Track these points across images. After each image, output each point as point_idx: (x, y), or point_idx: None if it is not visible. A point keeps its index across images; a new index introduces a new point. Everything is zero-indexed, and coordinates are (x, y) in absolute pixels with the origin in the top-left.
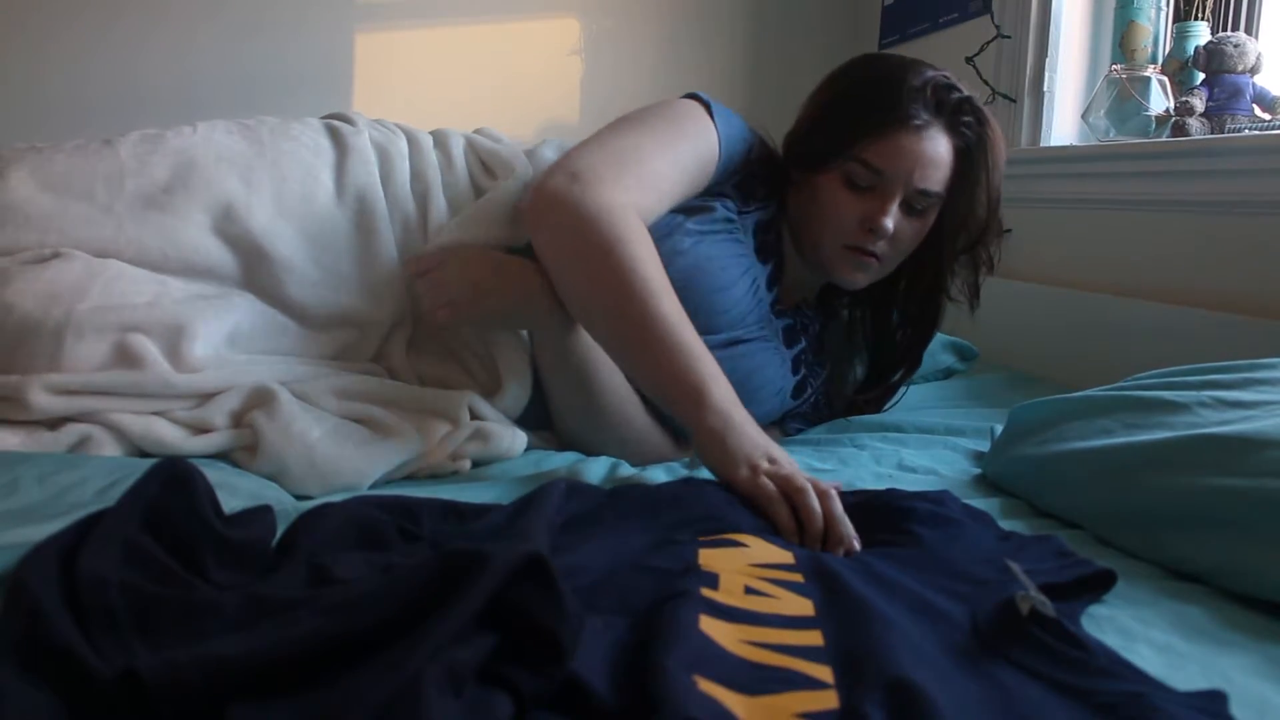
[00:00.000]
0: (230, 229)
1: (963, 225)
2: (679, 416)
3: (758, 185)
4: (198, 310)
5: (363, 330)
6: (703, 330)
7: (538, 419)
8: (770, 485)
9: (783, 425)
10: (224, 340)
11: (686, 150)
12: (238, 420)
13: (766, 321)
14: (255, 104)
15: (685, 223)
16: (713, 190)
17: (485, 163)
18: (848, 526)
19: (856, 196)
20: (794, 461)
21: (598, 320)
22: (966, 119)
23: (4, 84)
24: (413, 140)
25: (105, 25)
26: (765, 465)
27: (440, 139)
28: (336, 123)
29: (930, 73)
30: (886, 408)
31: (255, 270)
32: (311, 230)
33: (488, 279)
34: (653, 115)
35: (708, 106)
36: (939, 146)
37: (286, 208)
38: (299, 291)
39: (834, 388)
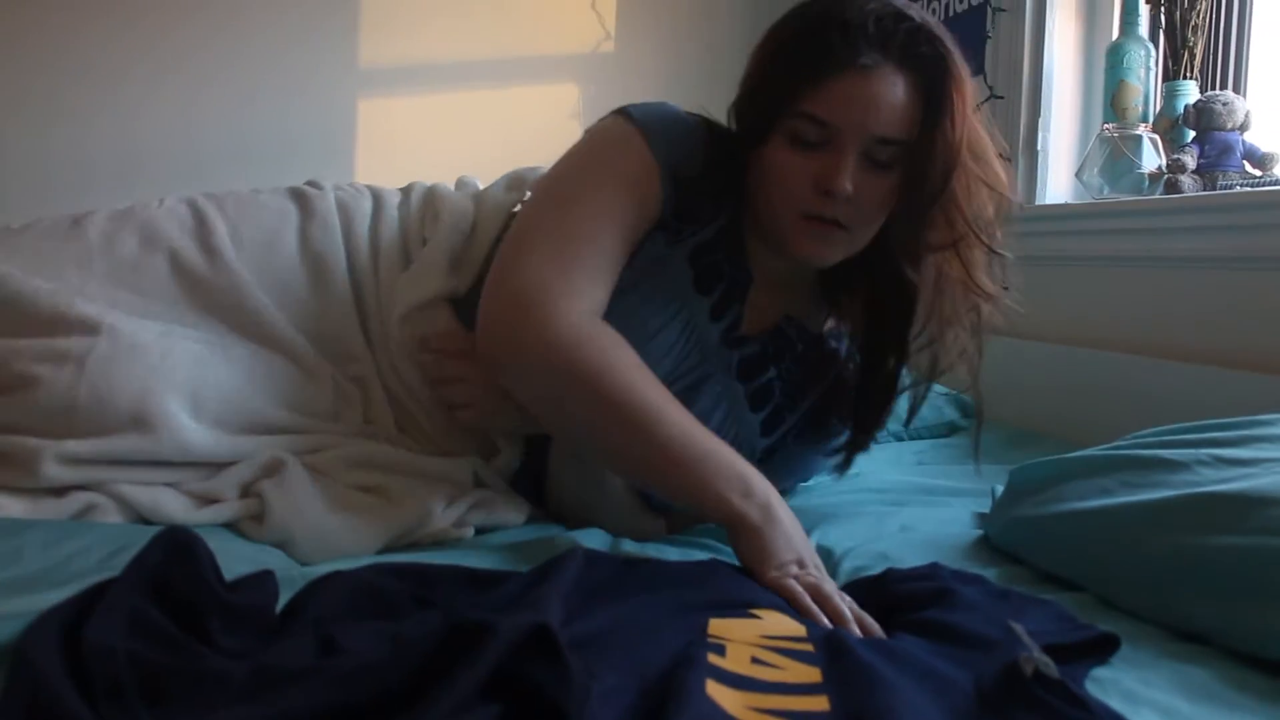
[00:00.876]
0: (203, 295)
1: (928, 171)
2: (713, 521)
3: (703, 202)
4: (207, 362)
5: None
6: None
7: (524, 489)
8: (797, 585)
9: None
10: (234, 391)
11: (630, 209)
12: (245, 491)
13: (713, 357)
14: (258, 167)
15: None
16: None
17: (437, 210)
18: (875, 626)
19: (806, 157)
20: (823, 567)
21: (609, 457)
22: (922, 49)
23: (9, 148)
24: (378, 198)
25: (110, 89)
26: (795, 569)
27: (406, 192)
28: (303, 187)
29: (873, 4)
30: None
31: (242, 323)
32: (274, 286)
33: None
34: (588, 175)
35: (645, 129)
36: (893, 86)
37: (253, 264)
38: (286, 333)
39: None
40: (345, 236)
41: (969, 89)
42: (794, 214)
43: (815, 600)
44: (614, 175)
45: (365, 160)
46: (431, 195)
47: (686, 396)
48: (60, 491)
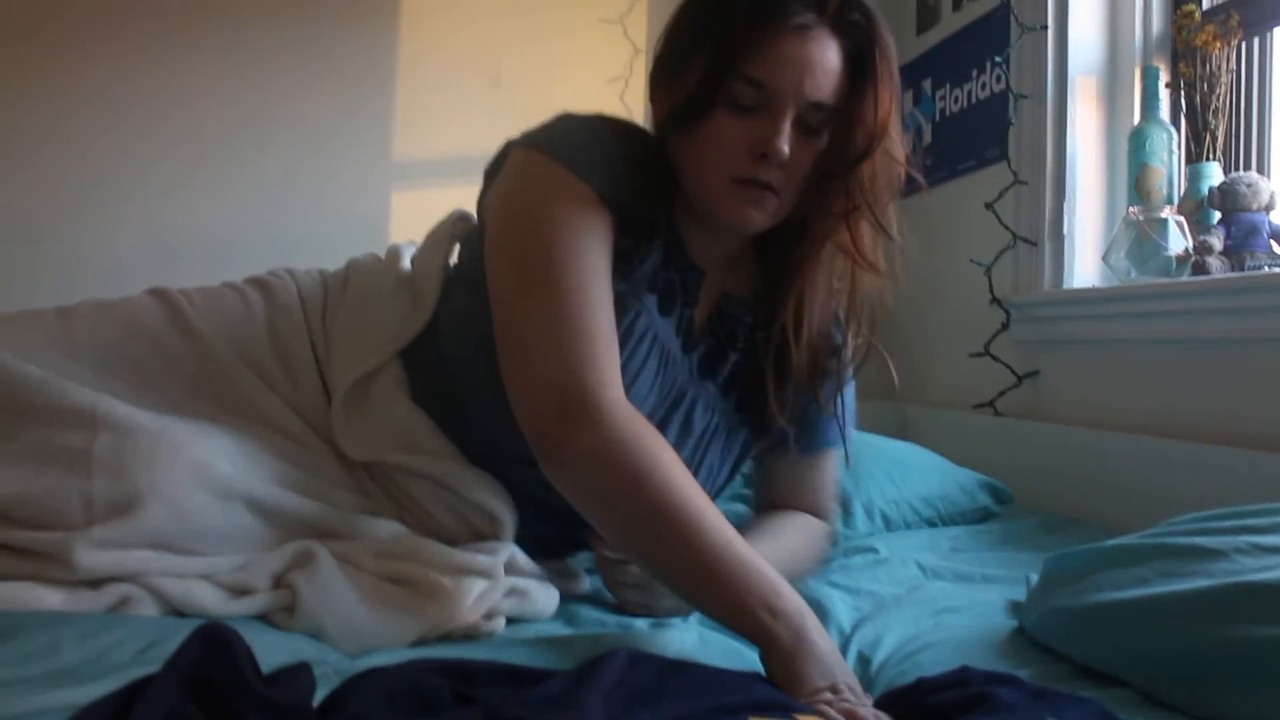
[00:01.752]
0: (191, 378)
1: (853, 138)
2: (747, 638)
3: (639, 210)
4: (210, 436)
5: None
6: None
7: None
8: (831, 711)
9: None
10: (239, 460)
11: (599, 253)
12: (278, 581)
13: (683, 370)
14: (289, 258)
15: None
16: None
17: (346, 279)
18: None
19: (742, 122)
20: (860, 691)
21: (653, 561)
22: (853, 17)
23: (43, 235)
24: (330, 280)
25: (142, 179)
26: (828, 695)
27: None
28: (268, 276)
29: None
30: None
31: (236, 404)
32: (252, 367)
33: None
34: (551, 240)
35: (567, 161)
36: (827, 51)
37: (230, 349)
38: (277, 410)
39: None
40: (305, 322)
41: (895, 62)
42: (726, 179)
43: None
44: (571, 228)
45: None
46: (348, 267)
47: (667, 421)
48: (96, 584)
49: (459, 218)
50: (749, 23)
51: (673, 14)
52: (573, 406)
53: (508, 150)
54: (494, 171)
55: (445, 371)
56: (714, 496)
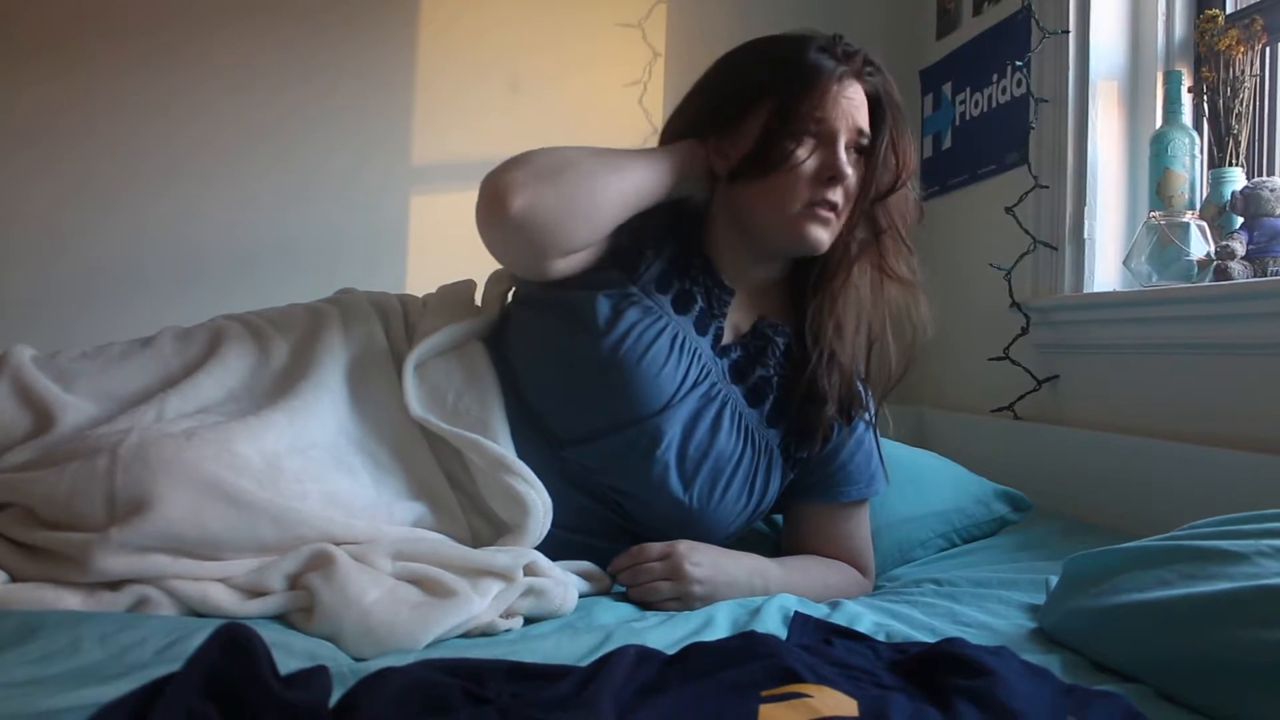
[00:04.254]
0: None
1: (889, 164)
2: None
3: (643, 244)
4: (238, 435)
5: None
6: (640, 412)
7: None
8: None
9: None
10: (272, 456)
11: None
12: (294, 583)
13: (716, 369)
14: (309, 264)
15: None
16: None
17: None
18: None
19: (810, 155)
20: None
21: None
22: (869, 68)
23: (63, 245)
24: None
25: (162, 188)
26: None
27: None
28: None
29: (818, 34)
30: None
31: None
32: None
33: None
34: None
35: None
36: (859, 92)
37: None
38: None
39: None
40: (385, 327)
41: (901, 99)
42: (801, 206)
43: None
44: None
45: (417, 256)
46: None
47: (701, 413)
48: (115, 585)
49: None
50: (807, 75)
51: (710, 76)
52: (499, 173)
53: None
54: None
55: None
56: (743, 519)
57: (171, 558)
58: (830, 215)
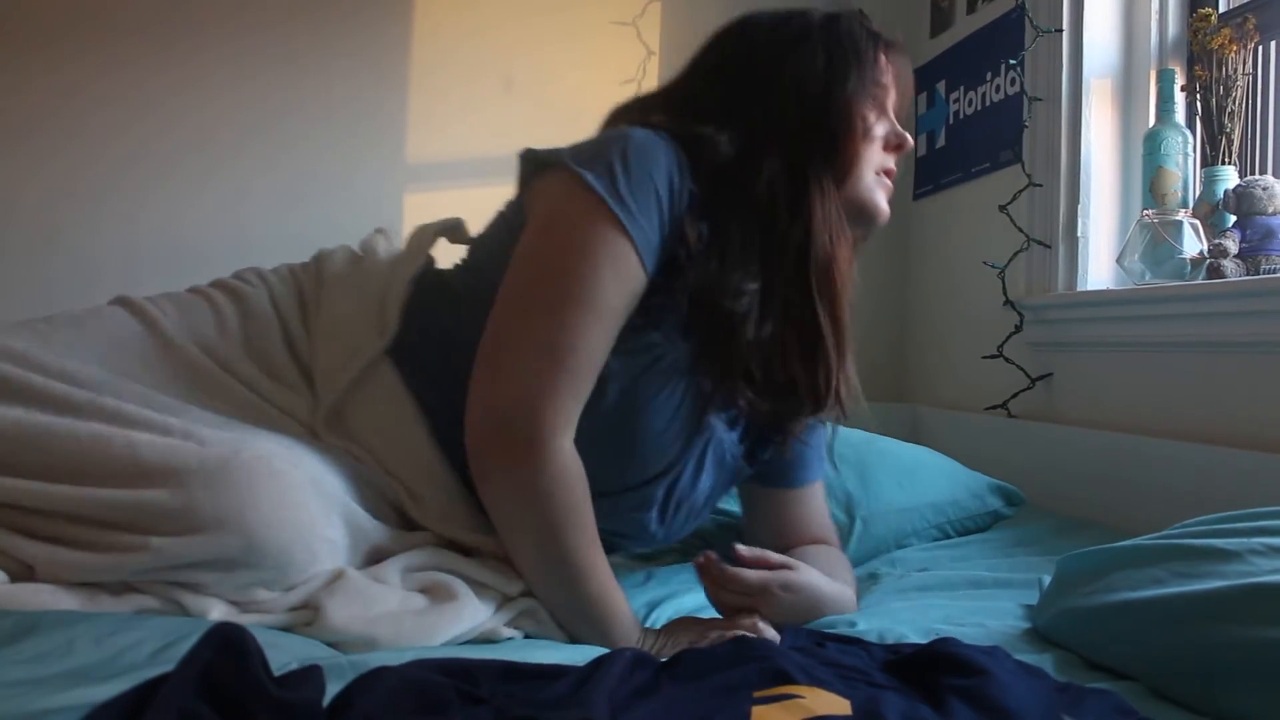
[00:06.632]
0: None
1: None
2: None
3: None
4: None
5: None
6: (633, 476)
7: None
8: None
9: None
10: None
11: (610, 321)
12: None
13: (699, 421)
14: (305, 258)
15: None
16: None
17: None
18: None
19: (881, 124)
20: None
21: (537, 580)
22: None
23: (60, 238)
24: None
25: (159, 182)
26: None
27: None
28: (237, 282)
29: (845, 10)
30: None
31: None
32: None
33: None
34: (575, 288)
35: (617, 214)
36: (902, 62)
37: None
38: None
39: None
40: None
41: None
42: (874, 174)
43: None
44: (599, 281)
45: None
46: (319, 261)
47: (682, 463)
48: (117, 591)
49: (450, 227)
50: (873, 49)
51: (732, 57)
52: (520, 435)
53: (559, 158)
54: (542, 164)
55: (451, 361)
56: (705, 508)
57: (210, 574)
58: (891, 184)
